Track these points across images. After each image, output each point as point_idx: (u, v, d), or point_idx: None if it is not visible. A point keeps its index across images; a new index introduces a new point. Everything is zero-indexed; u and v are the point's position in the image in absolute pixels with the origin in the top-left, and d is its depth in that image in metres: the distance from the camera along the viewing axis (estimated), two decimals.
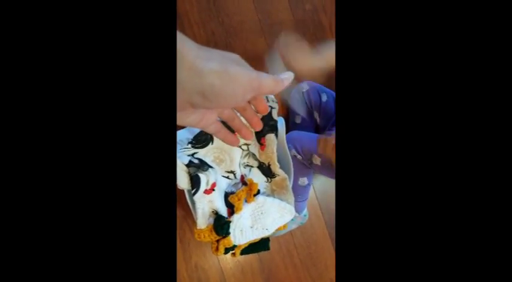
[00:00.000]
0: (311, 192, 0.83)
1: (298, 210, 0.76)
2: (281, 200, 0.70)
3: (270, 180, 0.71)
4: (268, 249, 0.73)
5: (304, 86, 0.77)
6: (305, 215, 0.80)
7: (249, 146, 0.71)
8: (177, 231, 0.75)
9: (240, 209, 0.64)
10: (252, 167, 0.72)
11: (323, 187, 0.82)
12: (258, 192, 0.69)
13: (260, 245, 0.71)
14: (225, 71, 0.21)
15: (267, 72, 0.27)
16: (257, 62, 0.88)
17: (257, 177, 0.71)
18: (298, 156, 0.75)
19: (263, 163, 0.71)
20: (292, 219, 0.77)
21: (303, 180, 0.77)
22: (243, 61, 0.25)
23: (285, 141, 0.71)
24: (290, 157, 0.71)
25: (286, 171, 0.71)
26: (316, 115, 0.81)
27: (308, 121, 0.81)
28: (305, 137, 0.74)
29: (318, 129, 0.84)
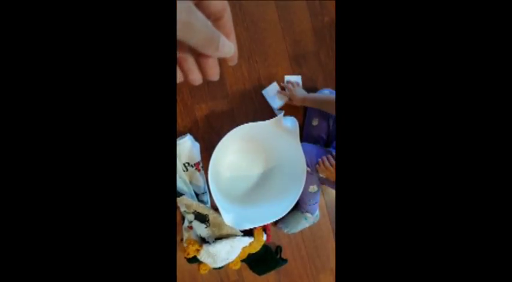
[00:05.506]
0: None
1: (311, 211, 0.85)
2: (226, 238, 0.82)
3: (208, 224, 0.83)
4: (285, 261, 0.88)
5: None
6: (316, 216, 0.89)
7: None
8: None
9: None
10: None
11: (330, 189, 0.91)
12: (204, 240, 0.85)
13: (277, 263, 0.87)
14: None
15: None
16: (277, 68, 0.93)
17: (200, 229, 0.85)
18: (307, 168, 0.82)
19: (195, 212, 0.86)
20: (305, 219, 0.86)
21: (313, 188, 0.85)
22: None
23: (298, 139, 0.78)
24: (303, 155, 0.79)
25: (300, 171, 0.81)
26: (330, 121, 0.89)
27: (323, 125, 0.89)
28: (314, 151, 0.81)
29: (329, 133, 0.92)
